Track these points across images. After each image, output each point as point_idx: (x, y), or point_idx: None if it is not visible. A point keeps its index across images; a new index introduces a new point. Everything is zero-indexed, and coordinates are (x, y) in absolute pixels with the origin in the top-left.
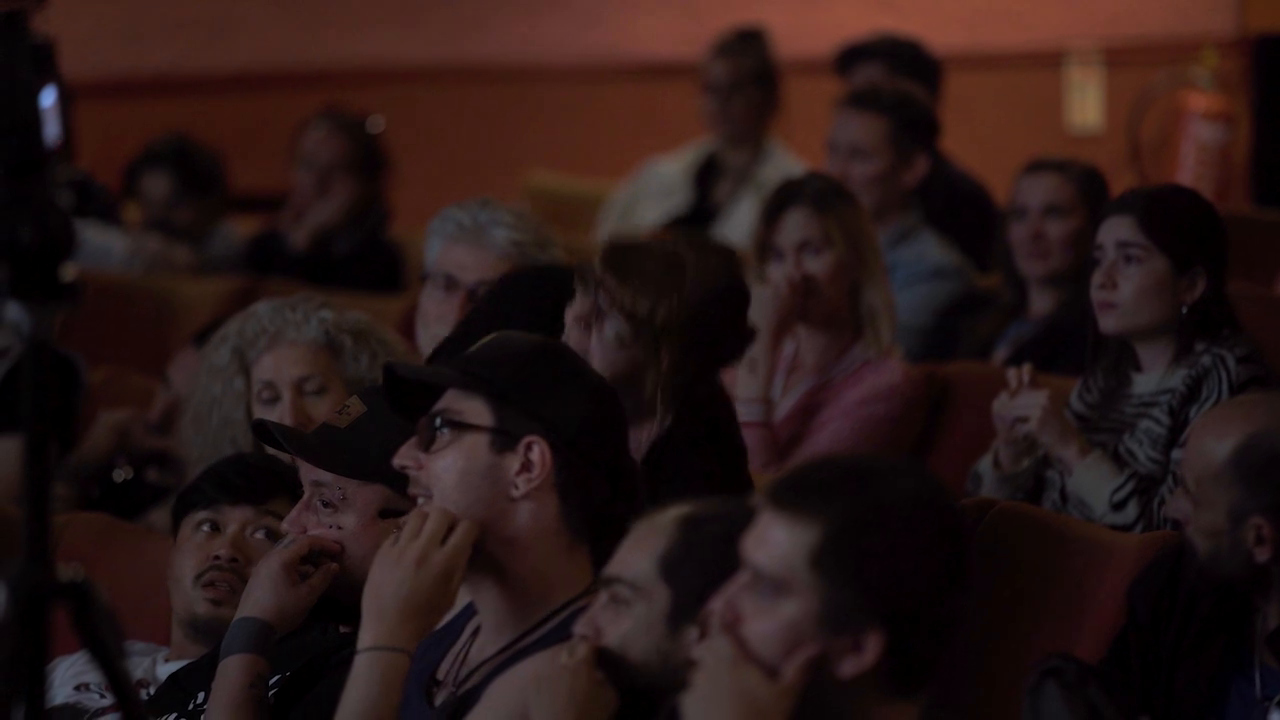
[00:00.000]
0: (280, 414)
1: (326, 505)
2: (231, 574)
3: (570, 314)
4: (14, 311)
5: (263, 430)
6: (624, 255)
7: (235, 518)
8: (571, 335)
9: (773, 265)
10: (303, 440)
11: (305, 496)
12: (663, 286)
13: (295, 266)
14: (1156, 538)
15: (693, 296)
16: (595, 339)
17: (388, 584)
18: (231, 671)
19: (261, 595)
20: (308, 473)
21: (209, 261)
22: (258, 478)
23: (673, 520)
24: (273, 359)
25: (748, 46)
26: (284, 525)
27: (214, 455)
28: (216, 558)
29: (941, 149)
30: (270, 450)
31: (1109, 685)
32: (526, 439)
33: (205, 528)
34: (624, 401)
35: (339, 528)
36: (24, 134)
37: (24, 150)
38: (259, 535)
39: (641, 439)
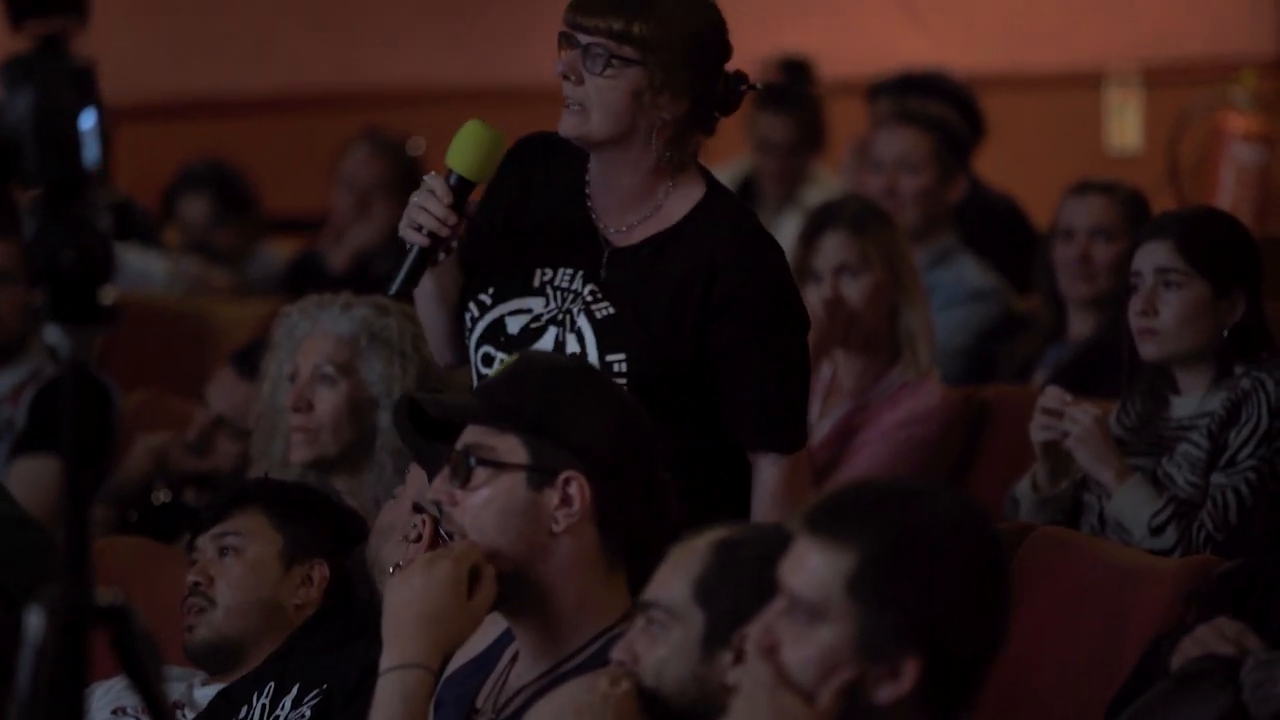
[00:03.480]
0: (290, 396)
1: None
2: (197, 597)
3: None
4: (53, 334)
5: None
6: None
7: (207, 543)
8: None
9: (810, 288)
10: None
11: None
12: None
13: (335, 288)
14: (1195, 562)
15: None
16: None
17: (398, 602)
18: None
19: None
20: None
21: (248, 283)
22: (220, 498)
23: (708, 544)
24: (307, 343)
25: (798, 97)
26: (430, 494)
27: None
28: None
29: (977, 170)
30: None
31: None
32: (564, 474)
33: (192, 558)
34: None
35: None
36: (64, 156)
37: (64, 172)
38: (224, 555)
39: None
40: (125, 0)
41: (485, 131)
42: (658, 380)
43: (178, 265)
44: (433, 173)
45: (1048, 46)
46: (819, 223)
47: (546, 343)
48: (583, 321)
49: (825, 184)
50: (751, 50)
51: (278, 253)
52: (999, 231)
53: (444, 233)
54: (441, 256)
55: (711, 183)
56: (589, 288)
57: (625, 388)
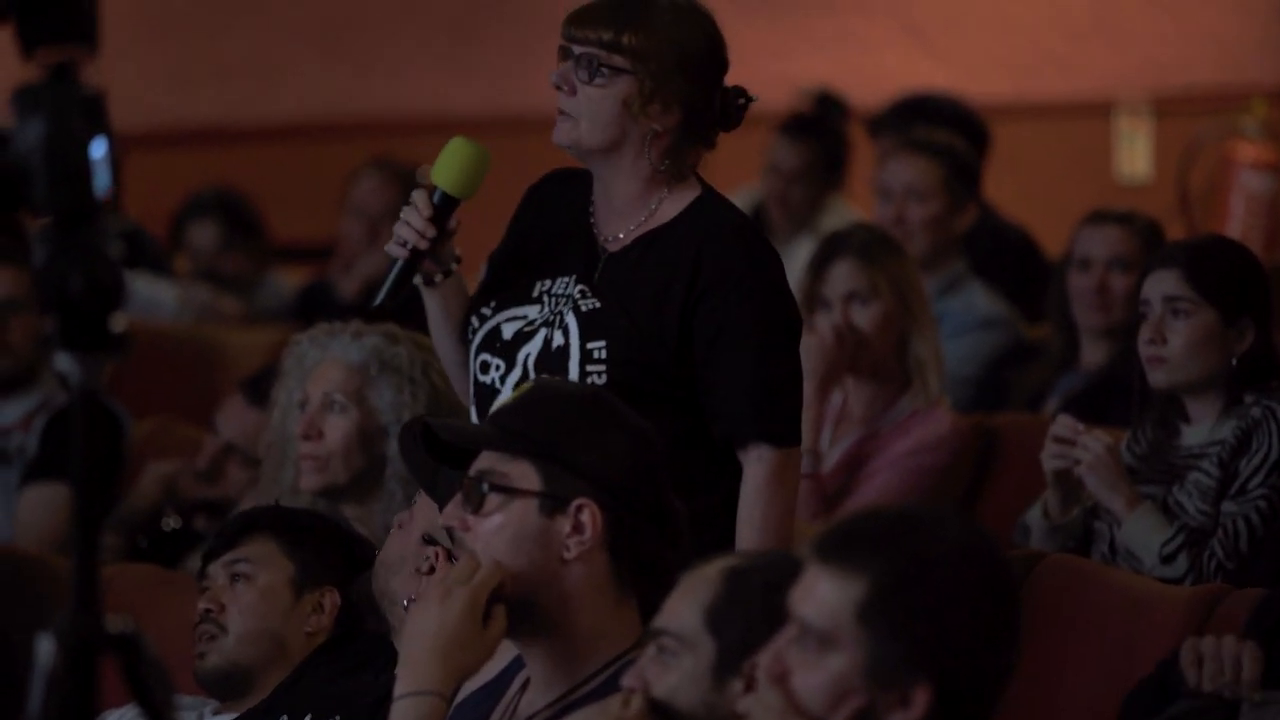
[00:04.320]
0: (300, 424)
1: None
2: (208, 624)
3: None
4: (63, 361)
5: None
6: None
7: (218, 570)
8: None
9: (820, 315)
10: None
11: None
12: None
13: (344, 316)
14: (1206, 591)
15: None
16: None
17: (416, 628)
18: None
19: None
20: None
21: (258, 311)
22: (231, 525)
23: (719, 571)
24: (317, 371)
25: (817, 127)
26: (442, 519)
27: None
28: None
29: (987, 198)
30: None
31: None
32: (576, 501)
33: (203, 585)
34: None
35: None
36: (74, 184)
37: (74, 201)
38: (236, 582)
39: None
40: (134, 28)
41: (469, 148)
42: (639, 367)
43: (187, 293)
44: (419, 188)
45: (1057, 75)
46: (828, 251)
47: (536, 343)
48: (569, 317)
49: (844, 213)
50: (758, 73)
51: (287, 281)
52: (1011, 260)
53: (422, 245)
54: (439, 279)
55: (707, 188)
56: (579, 288)
57: (605, 374)
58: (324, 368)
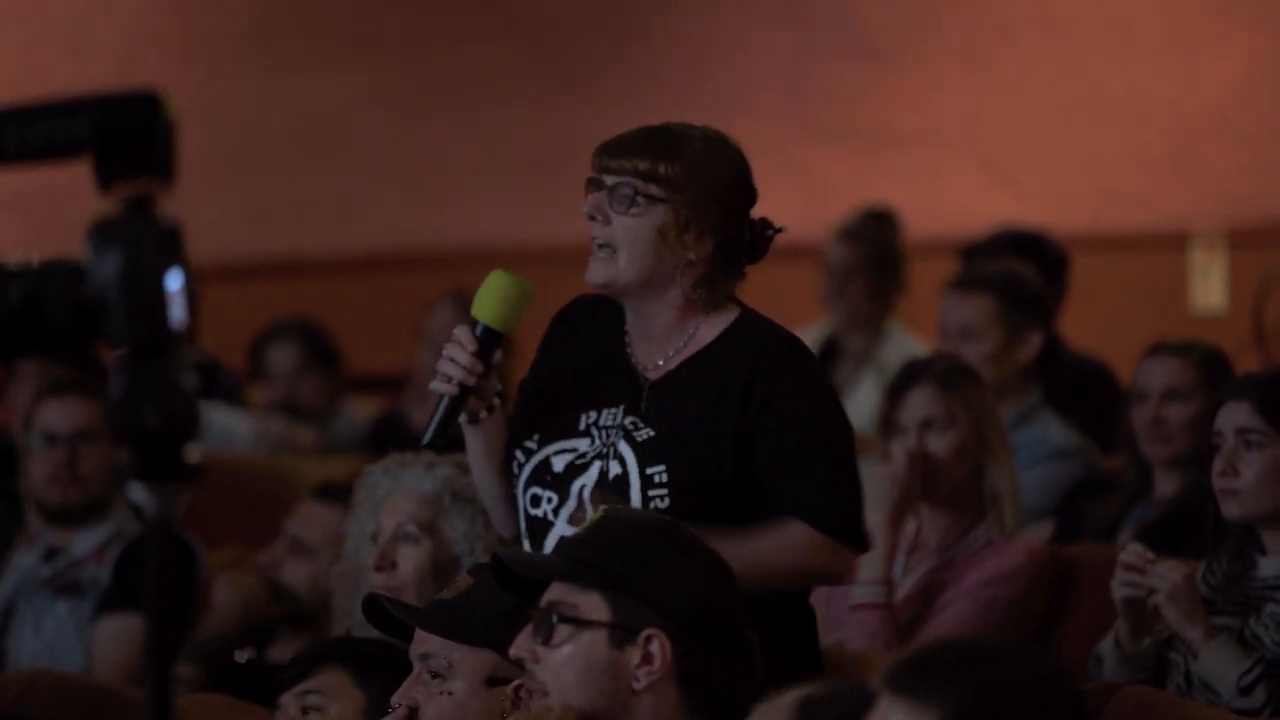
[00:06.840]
0: (373, 555)
1: (435, 676)
2: None
3: None
4: (137, 492)
5: (372, 605)
6: None
7: (290, 700)
8: None
9: (895, 442)
10: (410, 609)
11: (415, 671)
12: None
13: (417, 447)
14: None
15: None
16: None
17: None
18: None
19: None
20: (416, 646)
21: (332, 442)
22: (303, 656)
23: (792, 701)
24: (389, 501)
25: (871, 229)
26: (394, 699)
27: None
28: None
29: (1064, 331)
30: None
31: None
32: (646, 632)
33: (275, 717)
34: None
35: (449, 694)
36: (150, 317)
37: (150, 333)
38: (307, 713)
39: None
40: (211, 162)
41: (509, 281)
42: (699, 490)
43: (262, 424)
44: (461, 324)
45: (1132, 208)
46: (906, 378)
47: (591, 475)
48: (624, 447)
49: (902, 343)
50: (836, 207)
51: (360, 411)
52: (1088, 392)
53: (469, 381)
54: (484, 415)
55: (745, 308)
56: (629, 419)
57: (666, 498)
58: (396, 498)
